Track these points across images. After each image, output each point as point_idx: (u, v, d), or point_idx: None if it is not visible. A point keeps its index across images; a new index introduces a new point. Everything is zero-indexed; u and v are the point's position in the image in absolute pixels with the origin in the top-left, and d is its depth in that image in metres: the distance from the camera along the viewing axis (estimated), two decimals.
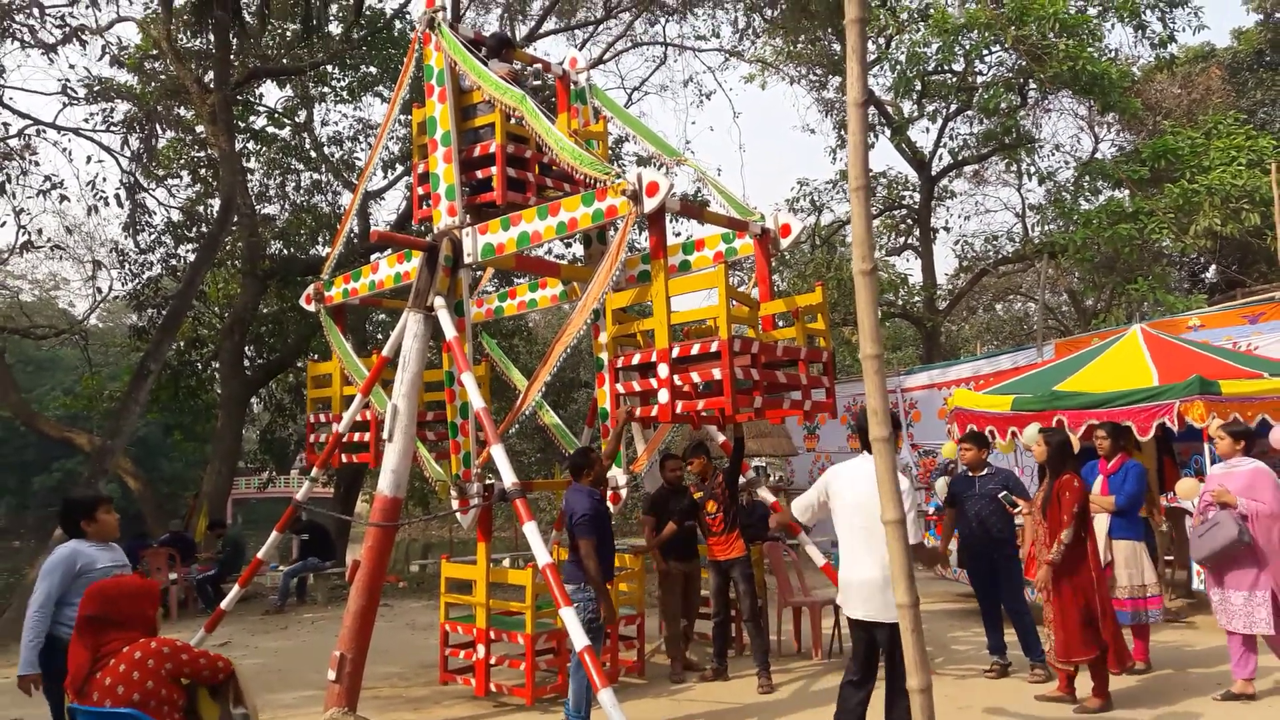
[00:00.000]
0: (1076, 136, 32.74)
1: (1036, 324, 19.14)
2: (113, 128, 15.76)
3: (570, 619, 5.60)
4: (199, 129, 16.05)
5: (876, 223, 23.01)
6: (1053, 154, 21.88)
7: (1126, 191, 18.57)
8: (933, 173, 21.60)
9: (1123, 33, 30.89)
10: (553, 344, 6.58)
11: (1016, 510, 7.00)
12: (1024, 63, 17.40)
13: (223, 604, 8.14)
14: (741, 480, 8.04)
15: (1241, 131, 18.06)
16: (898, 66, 18.43)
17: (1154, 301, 17.72)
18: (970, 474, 7.52)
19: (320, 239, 16.73)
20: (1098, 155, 22.00)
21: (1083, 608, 6.04)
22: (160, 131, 15.72)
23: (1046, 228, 20.63)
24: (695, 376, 6.06)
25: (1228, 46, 25.83)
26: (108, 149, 15.64)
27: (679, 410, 6.17)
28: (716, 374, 5.94)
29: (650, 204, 5.91)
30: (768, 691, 7.02)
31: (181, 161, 16.91)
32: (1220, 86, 22.37)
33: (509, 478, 6.19)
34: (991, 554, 7.22)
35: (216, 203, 15.66)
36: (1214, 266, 22.44)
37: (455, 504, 7.22)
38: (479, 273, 9.55)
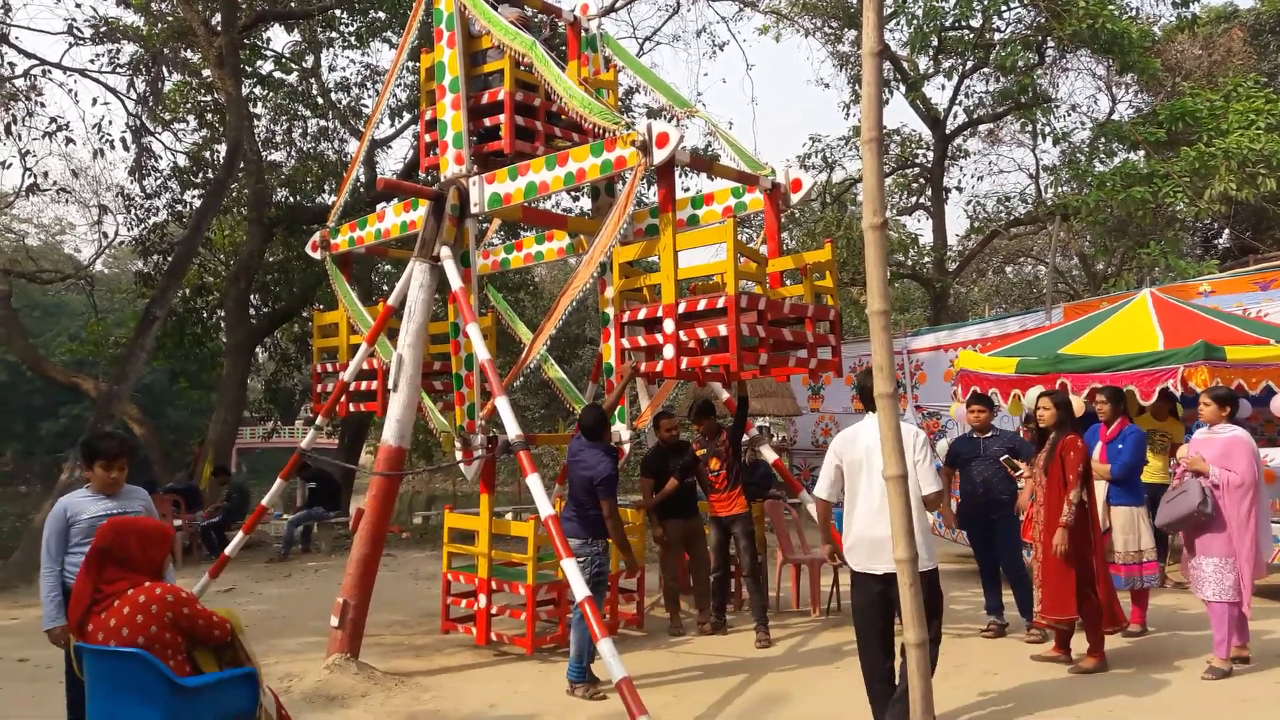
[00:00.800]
0: (1094, 97, 32.38)
1: (1046, 287, 18.99)
2: (119, 69, 15.59)
3: (571, 570, 5.63)
4: (205, 73, 15.87)
5: (889, 181, 22.73)
6: (1069, 114, 21.54)
7: (1142, 154, 18.32)
8: (947, 131, 21.29)
9: None
10: (559, 297, 6.53)
11: (1018, 474, 6.99)
12: (1043, 20, 17.07)
13: (227, 550, 8.20)
14: (744, 439, 8.04)
15: (1261, 95, 17.74)
16: (914, 21, 18.07)
17: (1165, 266, 17.53)
18: (975, 435, 7.51)
19: (327, 187, 16.62)
20: (1114, 116, 21.67)
21: (1073, 568, 6.05)
22: (166, 74, 15.56)
23: (1060, 189, 20.37)
24: (701, 332, 6.03)
25: (1251, 8, 25.27)
26: (114, 91, 15.47)
27: (684, 366, 6.15)
28: (722, 330, 5.91)
29: (660, 156, 5.84)
30: (765, 646, 7.09)
31: (188, 105, 16.75)
32: (1242, 48, 21.93)
33: (513, 430, 6.19)
34: (991, 515, 7.23)
35: (223, 148, 15.55)
36: (1227, 232, 22.23)
37: (459, 455, 7.23)
38: (485, 224, 9.49)
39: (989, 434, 7.45)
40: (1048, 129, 19.55)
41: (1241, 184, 16.18)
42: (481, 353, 6.52)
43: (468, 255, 7.04)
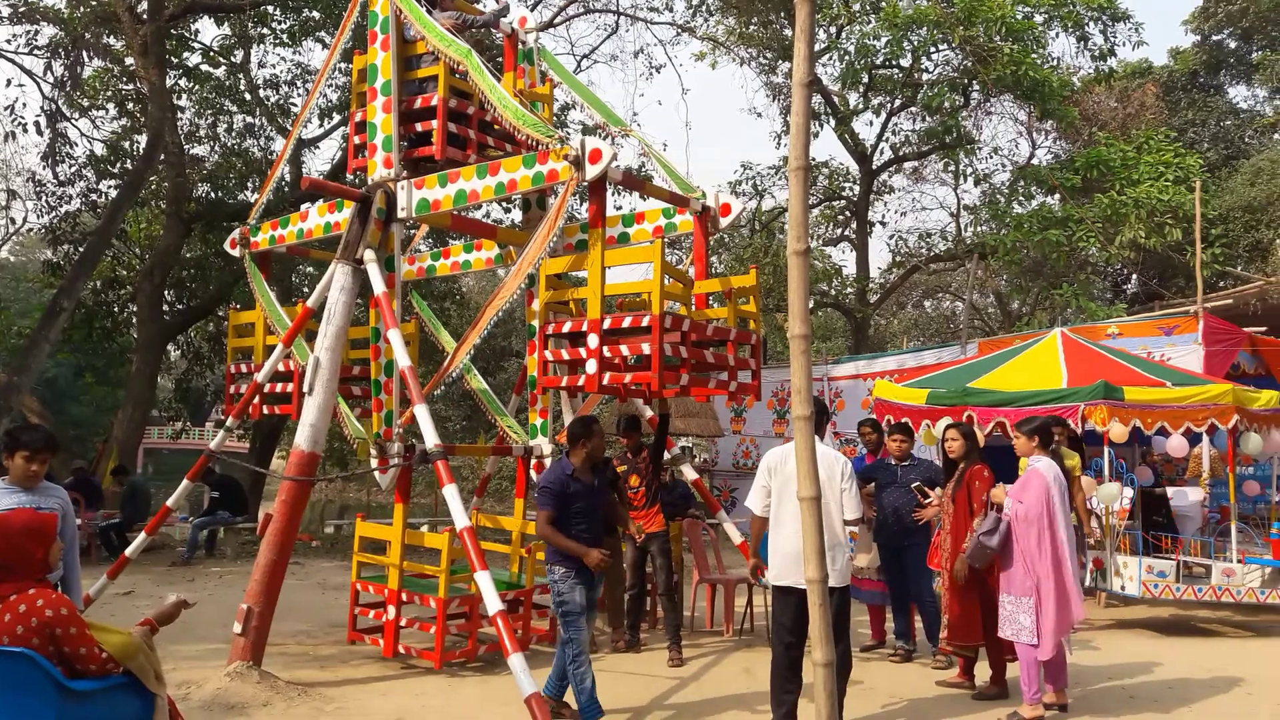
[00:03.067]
0: (1015, 141, 33.54)
1: (962, 323, 19.55)
2: (36, 51, 15.05)
3: (485, 584, 5.56)
4: (129, 60, 15.42)
5: (815, 212, 23.18)
6: (991, 156, 22.33)
7: (1058, 198, 19.05)
8: (873, 166, 21.84)
9: (1066, 42, 31.71)
10: (484, 306, 6.50)
11: (928, 501, 7.15)
12: (969, 63, 17.67)
13: (127, 551, 7.92)
14: (665, 457, 8.06)
15: (1171, 148, 18.64)
16: (846, 57, 18.55)
17: (1077, 308, 18.24)
18: (893, 463, 7.64)
19: (250, 184, 16.26)
20: (1034, 161, 22.49)
21: (978, 596, 6.22)
22: (87, 59, 15.08)
23: (979, 229, 21.05)
24: (625, 349, 6.06)
25: (1164, 65, 26.59)
26: (30, 73, 14.97)
27: (606, 381, 6.16)
28: (646, 348, 5.94)
29: (592, 171, 5.87)
30: (678, 664, 7.09)
31: (108, 93, 16.26)
32: (1155, 103, 23.03)
33: (431, 439, 6.11)
34: (904, 541, 7.37)
35: (143, 138, 15.11)
36: (1136, 278, 23.21)
37: (374, 463, 7.11)
38: (412, 230, 9.38)
39: (907, 462, 7.59)
40: (970, 169, 20.21)
41: (1150, 232, 16.94)
42: (402, 359, 6.43)
43: (392, 260, 6.96)
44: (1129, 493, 9.33)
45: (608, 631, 7.83)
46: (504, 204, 15.51)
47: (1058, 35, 18.63)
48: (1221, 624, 8.95)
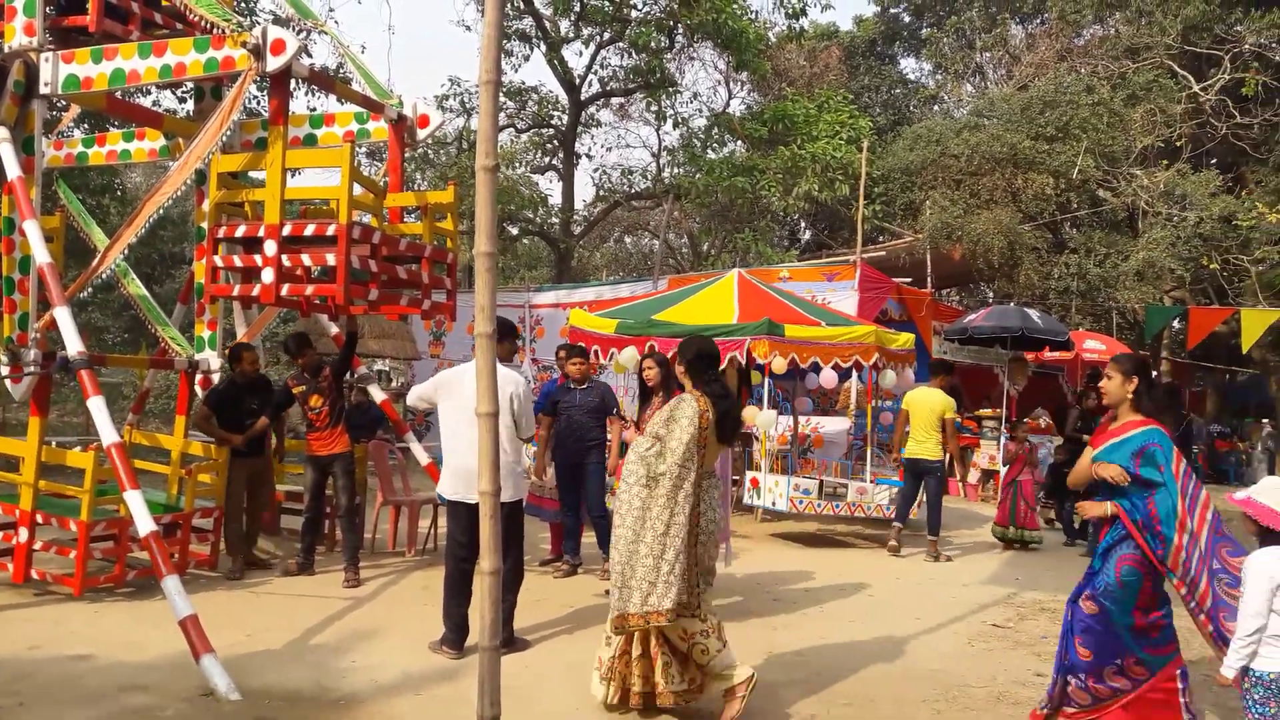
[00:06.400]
0: (715, 88, 35.13)
1: (656, 259, 20.42)
2: None
3: (135, 503, 5.14)
4: None
5: (524, 138, 23.06)
6: (691, 101, 23.23)
7: (745, 147, 20.27)
8: (582, 98, 22.00)
9: None
10: (143, 201, 5.88)
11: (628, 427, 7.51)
12: (674, 6, 18.18)
13: None
14: (352, 377, 7.81)
15: (847, 110, 20.36)
16: None
17: (756, 252, 19.63)
18: (573, 386, 7.89)
19: None
20: (729, 110, 23.70)
21: None
22: None
23: (676, 170, 21.92)
24: (307, 259, 5.76)
25: (849, 31, 28.90)
26: None
27: (284, 293, 5.84)
28: (331, 259, 5.68)
29: (274, 63, 5.47)
30: (354, 585, 6.96)
31: None
32: (838, 66, 24.99)
33: (74, 345, 5.50)
34: (581, 459, 7.66)
35: None
36: (809, 227, 25.38)
37: (5, 370, 6.28)
38: (61, 110, 8.27)
39: (585, 385, 7.86)
40: (671, 111, 20.90)
41: (823, 186, 18.49)
42: (41, 255, 5.70)
43: (31, 141, 6.10)
44: (786, 420, 10.30)
45: (279, 555, 7.52)
46: (177, 93, 14.06)
47: None
48: (855, 536, 10.21)
